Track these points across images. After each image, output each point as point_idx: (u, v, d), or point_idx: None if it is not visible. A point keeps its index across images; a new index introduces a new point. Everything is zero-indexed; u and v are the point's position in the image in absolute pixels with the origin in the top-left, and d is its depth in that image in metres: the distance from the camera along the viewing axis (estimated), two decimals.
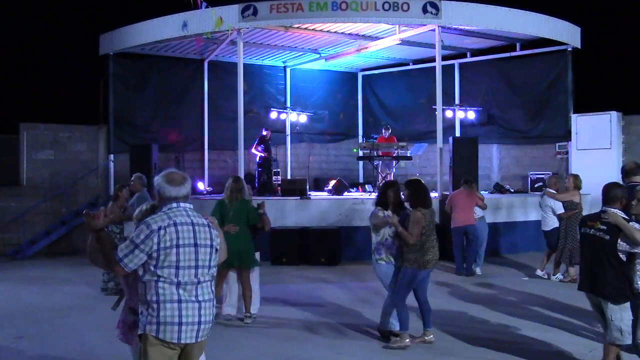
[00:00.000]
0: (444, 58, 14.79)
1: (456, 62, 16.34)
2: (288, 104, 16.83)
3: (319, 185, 15.94)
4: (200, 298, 3.33)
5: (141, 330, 3.30)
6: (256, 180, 14.35)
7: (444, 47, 13.82)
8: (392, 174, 14.29)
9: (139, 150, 12.45)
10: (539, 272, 9.58)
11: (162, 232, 3.25)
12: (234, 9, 12.11)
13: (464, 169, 11.56)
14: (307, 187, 13.20)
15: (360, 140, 17.26)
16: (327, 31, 13.77)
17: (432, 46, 13.45)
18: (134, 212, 6.72)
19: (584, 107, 14.56)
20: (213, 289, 3.46)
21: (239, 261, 6.71)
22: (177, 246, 3.26)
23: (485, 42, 15.11)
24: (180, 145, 15.44)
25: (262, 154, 14.05)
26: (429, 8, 12.01)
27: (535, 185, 14.46)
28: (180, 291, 3.28)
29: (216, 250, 3.46)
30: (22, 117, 14.63)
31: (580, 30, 14.36)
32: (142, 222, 3.34)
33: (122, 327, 3.71)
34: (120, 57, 14.70)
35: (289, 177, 16.37)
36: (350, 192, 14.42)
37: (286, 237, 11.22)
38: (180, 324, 3.25)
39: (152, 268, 3.26)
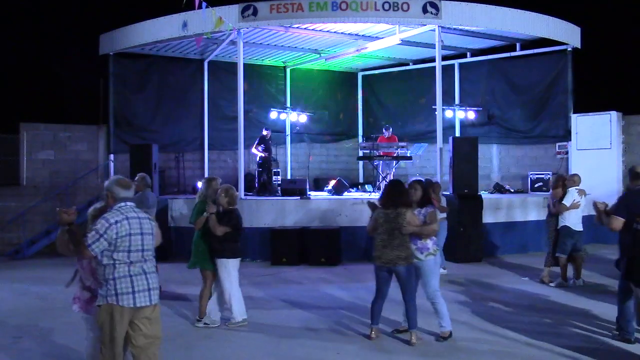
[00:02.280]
0: (444, 58, 14.79)
1: (456, 62, 16.34)
2: (288, 104, 16.83)
3: (319, 185, 15.94)
4: (146, 270, 4.28)
5: (102, 302, 4.17)
6: (256, 180, 14.36)
7: (444, 47, 13.81)
8: (392, 174, 14.30)
9: (139, 150, 12.44)
10: (579, 282, 8.93)
11: (118, 224, 4.15)
12: (234, 9, 12.11)
13: (464, 169, 11.57)
14: (307, 187, 13.20)
15: (360, 140, 17.28)
16: (327, 31, 13.76)
17: (432, 46, 13.44)
18: None
19: (584, 107, 14.56)
20: (155, 263, 4.41)
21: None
22: (130, 235, 4.19)
23: (485, 42, 15.11)
24: (180, 145, 15.46)
25: (262, 154, 14.06)
26: (429, 8, 12.01)
27: (535, 185, 14.47)
28: (131, 268, 4.19)
29: (153, 236, 4.43)
30: (22, 117, 14.63)
31: (580, 30, 14.36)
32: (101, 218, 4.19)
33: (79, 302, 4.53)
34: (120, 57, 14.70)
35: (289, 177, 16.37)
36: (350, 192, 14.42)
37: (286, 237, 11.22)
38: (133, 292, 4.17)
39: (110, 253, 4.13)
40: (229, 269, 6.70)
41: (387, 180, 6.58)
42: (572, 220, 8.82)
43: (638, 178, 5.98)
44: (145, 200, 8.73)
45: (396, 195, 6.08)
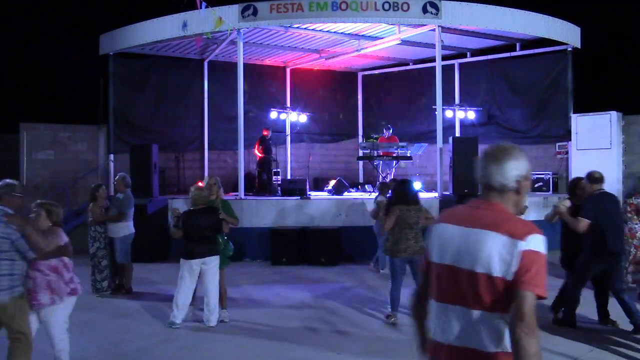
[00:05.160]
0: (444, 58, 14.78)
1: (456, 62, 16.33)
2: (288, 104, 16.83)
3: (319, 185, 15.94)
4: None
5: None
6: (256, 180, 14.37)
7: (444, 47, 13.80)
8: (392, 174, 14.29)
9: (139, 150, 12.44)
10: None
11: None
12: (234, 9, 12.12)
13: (464, 169, 11.56)
14: (307, 187, 13.20)
15: (360, 140, 17.27)
16: (327, 31, 13.77)
17: (432, 46, 13.45)
18: (116, 212, 7.80)
19: (584, 107, 14.55)
20: (9, 266, 4.79)
21: None
22: None
23: (485, 42, 15.10)
24: (180, 145, 15.46)
25: (262, 155, 14.07)
26: (429, 8, 12.01)
27: (536, 185, 14.45)
28: None
29: (12, 241, 4.82)
30: (22, 117, 14.63)
31: (580, 30, 14.36)
32: None
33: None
34: (120, 57, 14.70)
35: (289, 177, 16.37)
36: (350, 192, 14.42)
37: (286, 237, 11.22)
38: None
39: None
40: (180, 268, 6.81)
41: (396, 181, 7.32)
42: None
43: (596, 182, 6.47)
44: (129, 200, 8.69)
45: (414, 193, 6.96)
